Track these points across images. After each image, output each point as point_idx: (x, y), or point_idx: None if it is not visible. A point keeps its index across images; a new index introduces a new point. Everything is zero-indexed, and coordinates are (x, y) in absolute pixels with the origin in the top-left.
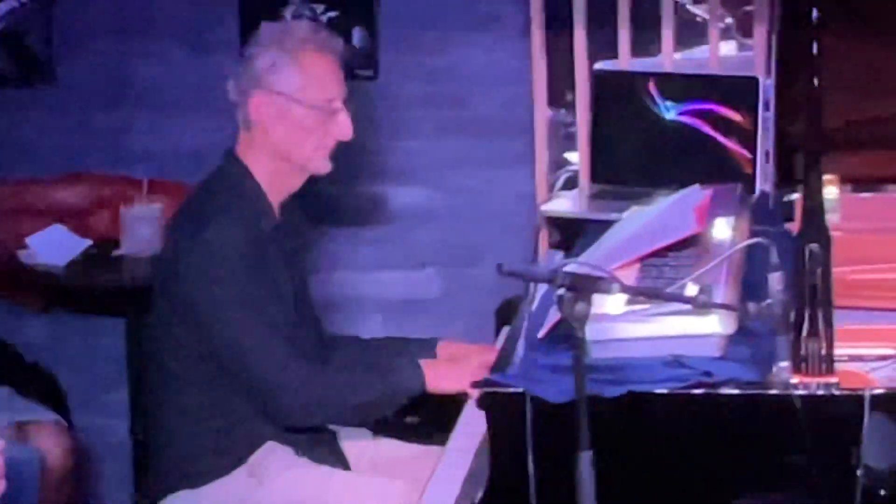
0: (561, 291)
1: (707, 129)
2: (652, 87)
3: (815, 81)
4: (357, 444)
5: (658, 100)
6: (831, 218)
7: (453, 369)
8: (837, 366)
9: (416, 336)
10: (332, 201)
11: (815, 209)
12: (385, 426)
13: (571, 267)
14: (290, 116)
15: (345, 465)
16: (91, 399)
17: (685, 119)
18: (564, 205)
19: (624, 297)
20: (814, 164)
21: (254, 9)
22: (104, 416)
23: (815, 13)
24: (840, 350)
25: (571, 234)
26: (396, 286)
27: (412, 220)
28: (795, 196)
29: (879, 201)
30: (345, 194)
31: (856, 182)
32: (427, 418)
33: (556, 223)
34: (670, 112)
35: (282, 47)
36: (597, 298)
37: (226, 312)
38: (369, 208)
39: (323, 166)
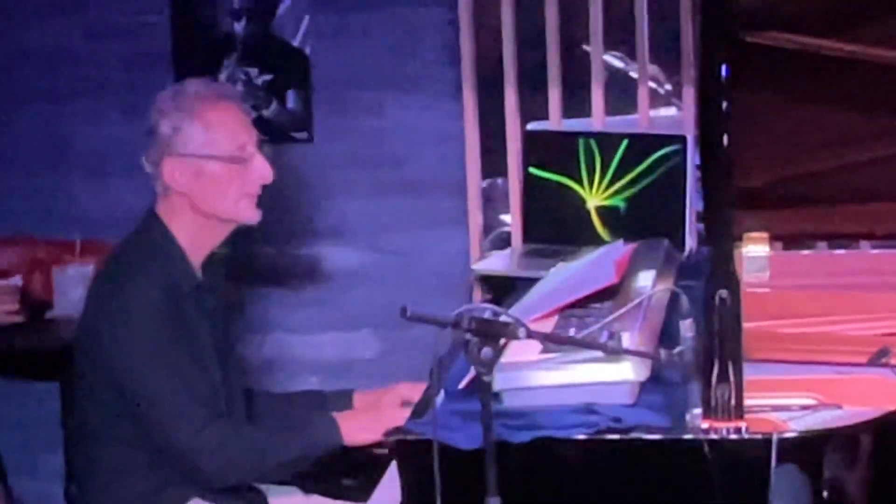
0: (468, 337)
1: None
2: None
3: (724, 139)
4: (287, 502)
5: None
6: (762, 275)
7: (367, 421)
8: (760, 416)
9: None
10: (267, 263)
11: (723, 257)
12: (319, 487)
13: (476, 312)
14: (206, 173)
15: None
16: (28, 463)
17: None
18: (496, 263)
19: (539, 346)
20: (721, 215)
21: (189, 74)
22: (41, 479)
23: (723, 70)
24: (764, 401)
25: (503, 291)
26: (332, 347)
27: (347, 280)
28: None
29: (809, 259)
30: (280, 256)
31: (787, 239)
32: (364, 481)
33: (489, 281)
34: None
35: (180, 108)
36: (513, 348)
37: (142, 373)
38: (304, 270)
39: (252, 215)
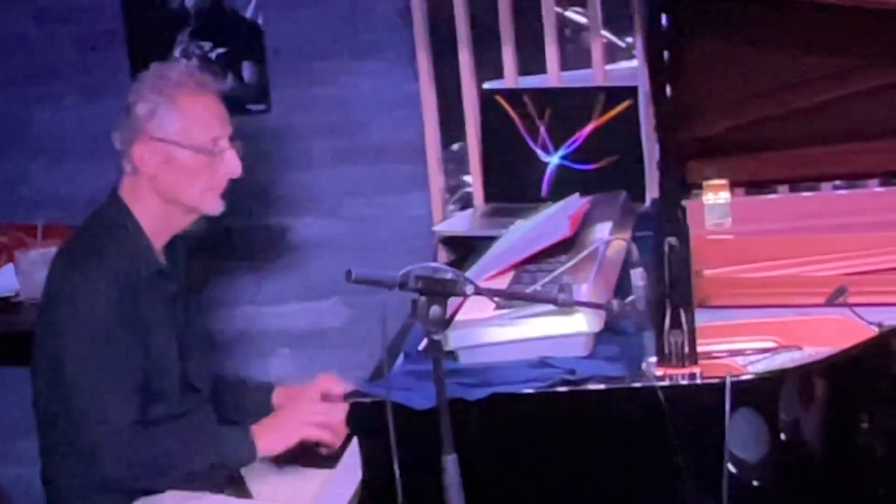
0: (415, 296)
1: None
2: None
3: (668, 88)
4: (259, 474)
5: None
6: (724, 222)
7: (281, 429)
8: (720, 361)
9: (322, 368)
10: (232, 236)
11: (672, 204)
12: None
13: (422, 271)
14: (175, 161)
15: (247, 494)
16: (4, 448)
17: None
18: (458, 224)
19: (493, 303)
20: (669, 163)
21: (143, 52)
22: (18, 464)
23: (664, 19)
24: (721, 345)
25: (465, 252)
26: (301, 318)
27: (312, 250)
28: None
29: (771, 203)
30: (244, 229)
31: (748, 185)
32: (340, 450)
33: (451, 242)
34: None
35: (160, 93)
36: (468, 305)
37: (75, 361)
38: (269, 241)
39: (214, 206)
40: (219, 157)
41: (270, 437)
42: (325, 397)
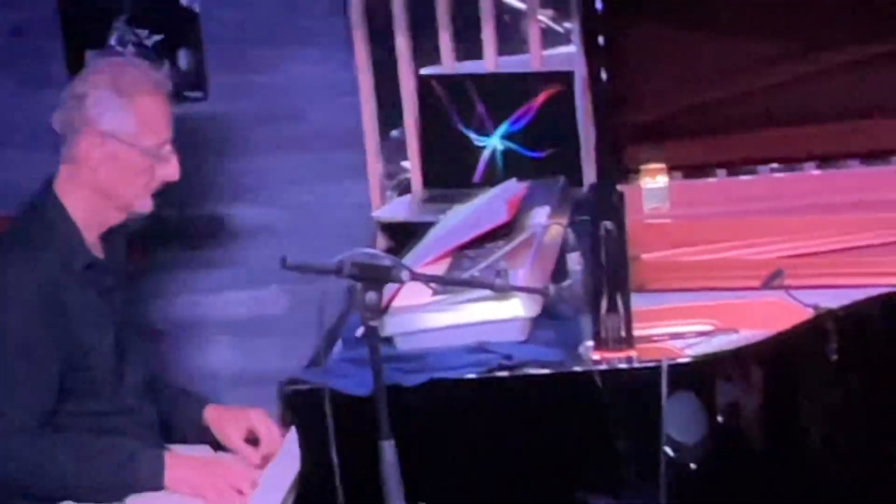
0: (352, 283)
1: None
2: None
3: (603, 73)
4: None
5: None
6: (661, 206)
7: (197, 474)
8: (654, 344)
9: (263, 356)
10: (171, 225)
11: (609, 189)
12: None
13: (358, 257)
14: (121, 159)
15: None
16: None
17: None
18: (396, 210)
19: (430, 289)
20: (604, 148)
21: (78, 38)
22: None
23: (599, 4)
24: (659, 329)
25: (405, 238)
26: (241, 306)
27: (252, 238)
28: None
29: (709, 187)
30: (183, 217)
31: (686, 169)
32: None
33: (390, 229)
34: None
35: (116, 89)
36: (405, 292)
37: None
38: (208, 230)
39: (146, 205)
40: (163, 160)
41: (182, 473)
42: (250, 432)
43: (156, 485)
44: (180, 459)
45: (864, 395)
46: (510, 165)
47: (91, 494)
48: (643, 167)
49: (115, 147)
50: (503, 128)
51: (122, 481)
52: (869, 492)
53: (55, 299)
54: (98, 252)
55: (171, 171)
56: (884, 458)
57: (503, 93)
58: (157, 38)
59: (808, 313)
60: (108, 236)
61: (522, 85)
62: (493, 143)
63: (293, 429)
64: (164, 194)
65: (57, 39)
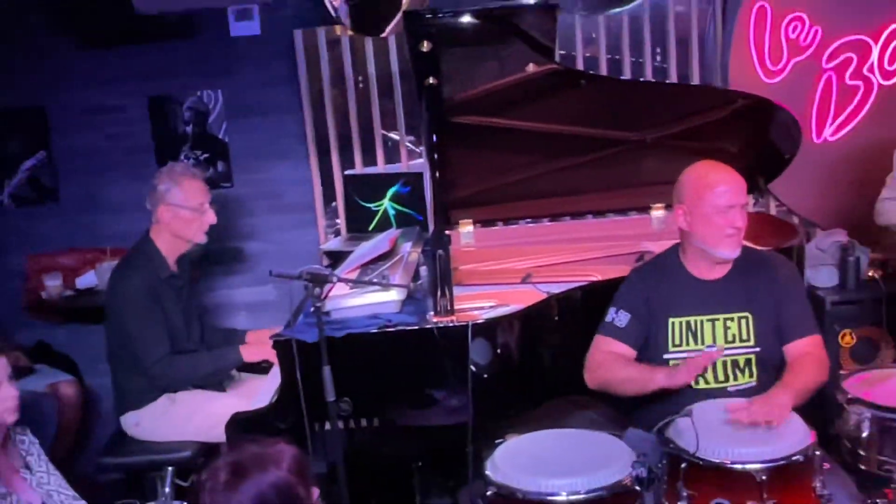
0: (306, 283)
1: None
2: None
3: (437, 174)
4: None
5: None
6: (470, 242)
7: (256, 350)
8: (465, 313)
9: (264, 322)
10: (212, 252)
11: (441, 233)
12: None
13: (309, 269)
14: (180, 216)
15: (222, 389)
16: (93, 368)
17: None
18: (333, 244)
19: (347, 286)
20: (438, 211)
21: (163, 155)
22: (101, 376)
23: (434, 138)
24: (469, 304)
25: (338, 259)
26: (252, 295)
27: (256, 259)
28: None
29: (495, 232)
30: (218, 248)
31: (484, 223)
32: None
33: (330, 255)
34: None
35: (172, 178)
36: (335, 288)
37: (131, 324)
38: (232, 255)
39: (201, 239)
40: (204, 213)
41: (249, 353)
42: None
43: (239, 361)
44: (245, 347)
45: (570, 335)
46: (395, 221)
47: (206, 379)
48: (460, 221)
49: (175, 210)
50: (391, 200)
51: (222, 367)
52: (572, 381)
53: (154, 294)
54: (174, 268)
55: (210, 219)
56: (574, 364)
57: (387, 184)
58: (205, 154)
59: (544, 296)
60: (180, 259)
61: (396, 178)
62: (384, 204)
63: (277, 360)
64: (208, 234)
65: (151, 157)
